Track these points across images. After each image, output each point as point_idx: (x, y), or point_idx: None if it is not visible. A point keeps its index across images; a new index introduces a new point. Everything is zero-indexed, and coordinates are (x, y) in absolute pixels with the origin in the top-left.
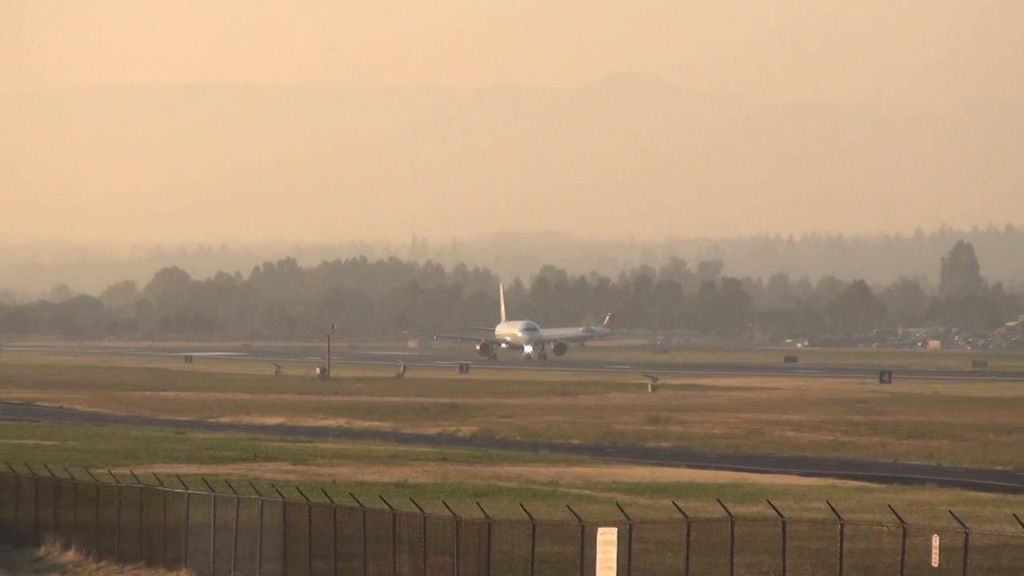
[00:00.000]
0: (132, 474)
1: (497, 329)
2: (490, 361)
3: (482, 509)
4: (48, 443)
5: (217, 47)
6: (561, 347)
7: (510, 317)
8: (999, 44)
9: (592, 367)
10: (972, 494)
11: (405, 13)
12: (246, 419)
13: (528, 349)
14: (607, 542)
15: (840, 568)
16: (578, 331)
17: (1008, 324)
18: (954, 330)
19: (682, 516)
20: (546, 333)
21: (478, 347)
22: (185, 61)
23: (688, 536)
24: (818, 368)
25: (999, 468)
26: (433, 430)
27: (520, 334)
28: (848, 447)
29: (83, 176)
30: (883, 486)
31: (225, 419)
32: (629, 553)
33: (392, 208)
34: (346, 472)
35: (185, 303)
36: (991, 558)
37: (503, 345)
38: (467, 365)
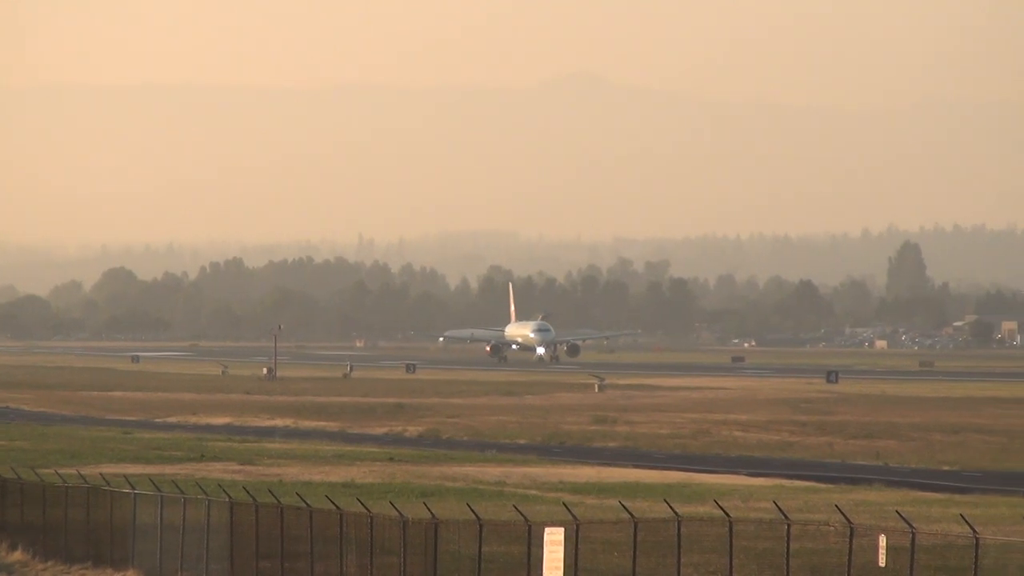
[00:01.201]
0: (79, 474)
1: (507, 330)
2: (500, 363)
3: (429, 509)
4: None
5: (164, 46)
6: (574, 348)
7: (454, 320)
8: (944, 44)
9: (539, 367)
10: (919, 494)
11: (353, 13)
12: (193, 419)
13: (540, 351)
14: (554, 542)
15: (787, 568)
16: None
17: (955, 324)
18: (901, 330)
19: (629, 516)
20: (478, 332)
21: (488, 348)
22: (128, 61)
23: (635, 536)
24: (765, 368)
25: (946, 468)
26: (380, 430)
27: (532, 335)
28: (795, 447)
29: (29, 176)
30: (830, 486)
31: (172, 419)
32: (576, 553)
33: (339, 208)
34: (293, 472)
35: (132, 303)
36: (938, 558)
37: (514, 347)
38: (414, 365)
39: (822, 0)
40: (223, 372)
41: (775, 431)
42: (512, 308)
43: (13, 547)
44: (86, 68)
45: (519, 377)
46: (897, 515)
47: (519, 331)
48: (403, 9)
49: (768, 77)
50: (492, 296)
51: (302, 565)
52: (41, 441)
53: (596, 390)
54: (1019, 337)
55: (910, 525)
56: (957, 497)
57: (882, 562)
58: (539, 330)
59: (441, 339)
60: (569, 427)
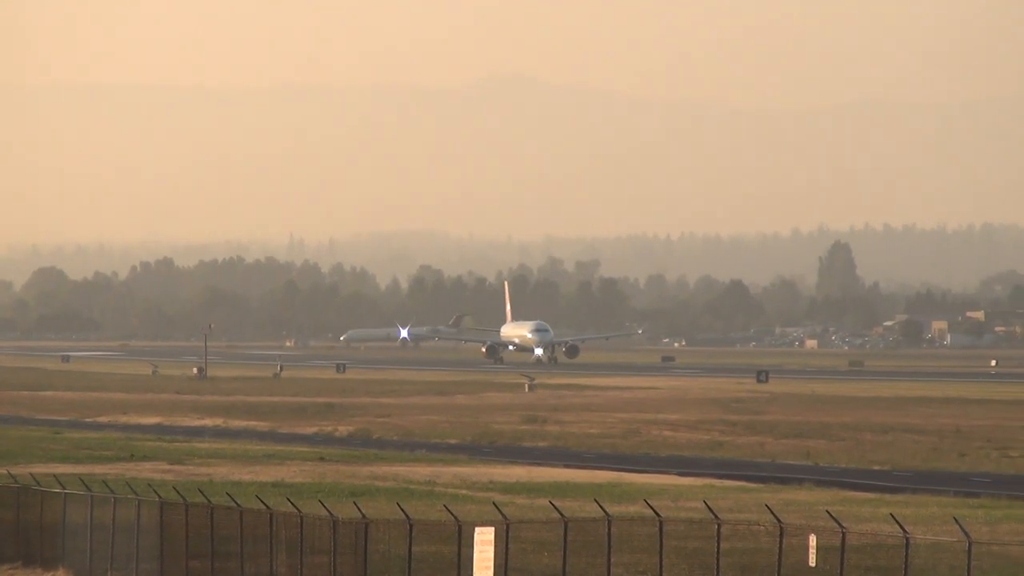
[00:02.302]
0: (8, 474)
1: (503, 330)
2: (496, 364)
3: (359, 509)
4: None
5: (95, 45)
6: (573, 349)
7: (385, 320)
8: (876, 45)
9: (469, 366)
10: (849, 494)
11: (282, 12)
12: (123, 419)
13: (539, 352)
14: (484, 542)
15: (717, 568)
16: (423, 330)
17: (885, 324)
18: (831, 329)
19: (559, 516)
20: (385, 333)
21: (484, 349)
22: (58, 59)
23: (565, 536)
24: (695, 368)
25: (876, 468)
26: (310, 430)
27: (530, 335)
28: (725, 447)
29: None
30: (760, 486)
31: (102, 419)
32: (506, 553)
33: (269, 208)
34: (223, 472)
35: (62, 303)
36: (868, 557)
37: (510, 348)
38: (344, 365)
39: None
40: (153, 372)
41: (705, 431)
42: (508, 308)
43: None
44: (9, 68)
45: (450, 377)
46: (827, 515)
47: (516, 331)
48: (336, 10)
49: (700, 77)
50: (422, 296)
51: (232, 565)
52: None
53: (526, 390)
54: (949, 337)
55: (840, 525)
56: (887, 497)
57: (812, 562)
58: (537, 330)
59: (343, 338)
60: (500, 427)
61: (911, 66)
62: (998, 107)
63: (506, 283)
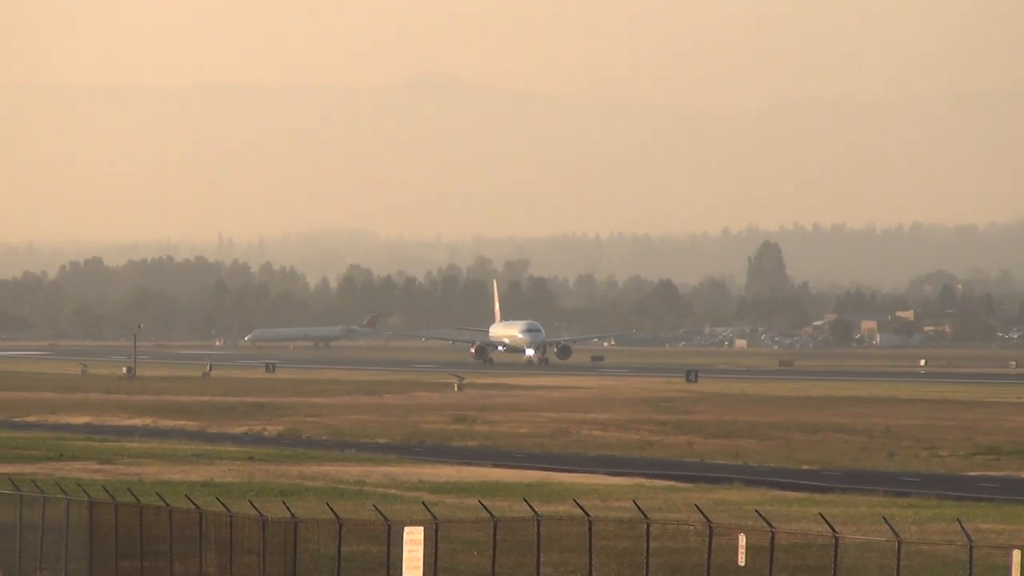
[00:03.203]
0: None
1: (492, 330)
2: (485, 365)
3: (288, 508)
4: None
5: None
6: (565, 350)
7: (315, 319)
8: (798, 44)
9: (398, 366)
10: (778, 493)
11: (210, 12)
12: (52, 418)
13: (530, 352)
14: (413, 541)
15: (646, 567)
16: (336, 330)
17: (814, 323)
18: (760, 329)
19: (488, 515)
20: (301, 332)
21: (472, 350)
22: None
23: (494, 535)
24: (625, 367)
25: (805, 467)
26: (239, 429)
27: (521, 336)
28: (655, 446)
29: None
30: (690, 485)
31: (31, 418)
32: (435, 552)
33: (199, 207)
34: (152, 471)
35: None
36: (797, 557)
37: (500, 348)
38: (273, 364)
39: None
40: (83, 371)
41: (635, 430)
42: (496, 307)
43: None
44: None
45: (379, 376)
46: (757, 514)
47: (506, 332)
48: (259, 8)
49: (628, 78)
50: (351, 295)
51: (162, 564)
52: None
53: (456, 389)
54: (878, 336)
55: (769, 524)
56: (817, 496)
57: (742, 561)
58: (528, 330)
59: (247, 339)
60: (429, 426)
61: (840, 66)
62: (926, 107)
63: (495, 281)
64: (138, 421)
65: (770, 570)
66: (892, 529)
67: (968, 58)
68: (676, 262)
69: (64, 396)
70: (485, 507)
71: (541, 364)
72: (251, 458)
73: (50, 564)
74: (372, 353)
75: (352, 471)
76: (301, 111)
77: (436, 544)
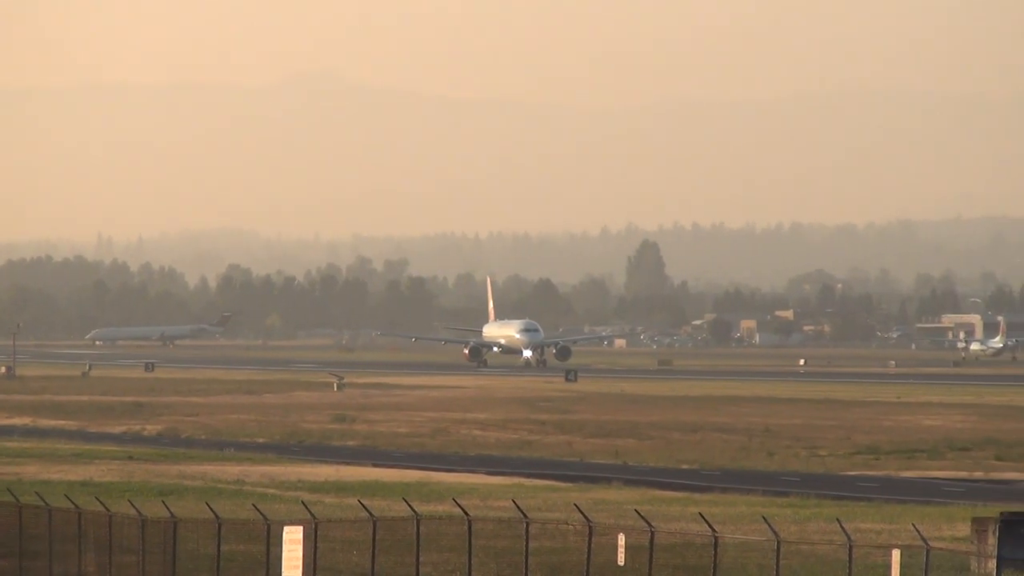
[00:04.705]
0: None
1: (485, 330)
2: (480, 367)
3: (168, 508)
4: None
5: None
6: (565, 350)
7: (194, 319)
8: (675, 44)
9: (278, 365)
10: (658, 493)
11: (93, 11)
12: None
13: (527, 353)
14: (293, 540)
15: (526, 567)
16: (185, 329)
17: (693, 323)
18: (640, 329)
19: (368, 515)
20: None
21: (466, 351)
22: None
23: (374, 535)
24: (504, 367)
25: (684, 467)
26: (119, 429)
27: (518, 336)
28: (534, 446)
29: None
30: (569, 485)
31: None
32: (315, 552)
33: (77, 207)
34: (31, 471)
35: None
36: (676, 556)
37: (495, 349)
38: (152, 364)
39: None
40: None
41: (514, 430)
42: (491, 305)
43: None
44: None
45: (258, 376)
46: (636, 514)
47: (502, 331)
48: (141, 6)
49: (507, 76)
50: (230, 294)
51: (40, 564)
52: None
53: (335, 389)
54: (758, 336)
55: (649, 524)
56: (696, 496)
57: (621, 560)
58: (526, 330)
59: (87, 337)
60: (308, 426)
61: (715, 67)
62: (806, 106)
63: (488, 279)
64: (17, 420)
65: (650, 569)
66: (771, 528)
67: (845, 57)
68: (555, 261)
69: None
70: (365, 507)
71: (539, 366)
72: (130, 457)
73: None
74: (252, 353)
75: (231, 470)
76: (180, 110)
77: (315, 543)
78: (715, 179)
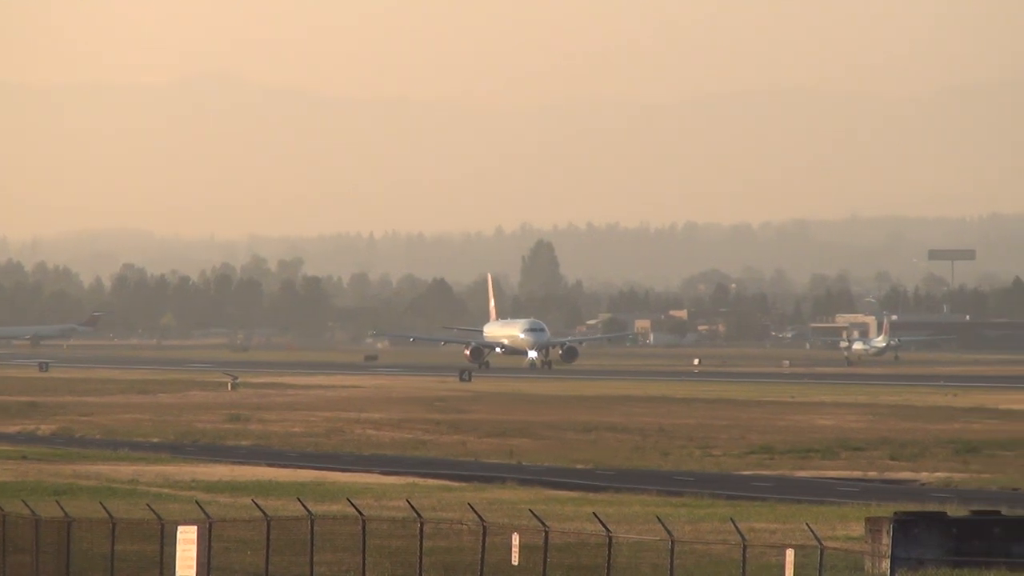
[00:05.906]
0: None
1: (487, 330)
2: (482, 368)
3: (62, 508)
4: None
5: None
6: (571, 351)
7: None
8: (567, 43)
9: (172, 365)
10: (552, 492)
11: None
12: None
13: (532, 354)
14: (187, 540)
15: (420, 566)
16: (54, 328)
17: (588, 322)
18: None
19: (262, 514)
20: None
21: (467, 352)
22: None
23: (268, 534)
24: (398, 366)
25: (579, 466)
26: (13, 428)
27: (523, 336)
28: (429, 445)
29: None
30: (464, 484)
31: None
32: (209, 551)
33: None
34: None
35: None
36: (571, 556)
37: (498, 350)
38: (47, 363)
39: None
40: None
41: (408, 429)
42: (492, 304)
43: None
44: None
45: (152, 375)
46: (531, 514)
47: (504, 331)
48: (35, 6)
49: (398, 75)
50: (125, 294)
51: None
52: None
53: (229, 388)
54: (652, 335)
55: (543, 523)
56: (591, 495)
57: (515, 560)
58: (531, 330)
59: None
60: (202, 425)
61: (611, 66)
62: (698, 107)
63: (489, 276)
64: None
65: (544, 569)
66: (665, 528)
67: (744, 58)
68: (450, 261)
69: None
70: (259, 506)
71: (544, 368)
72: (24, 457)
73: None
74: (147, 352)
75: (125, 470)
76: (74, 109)
77: (209, 543)
78: (609, 179)
